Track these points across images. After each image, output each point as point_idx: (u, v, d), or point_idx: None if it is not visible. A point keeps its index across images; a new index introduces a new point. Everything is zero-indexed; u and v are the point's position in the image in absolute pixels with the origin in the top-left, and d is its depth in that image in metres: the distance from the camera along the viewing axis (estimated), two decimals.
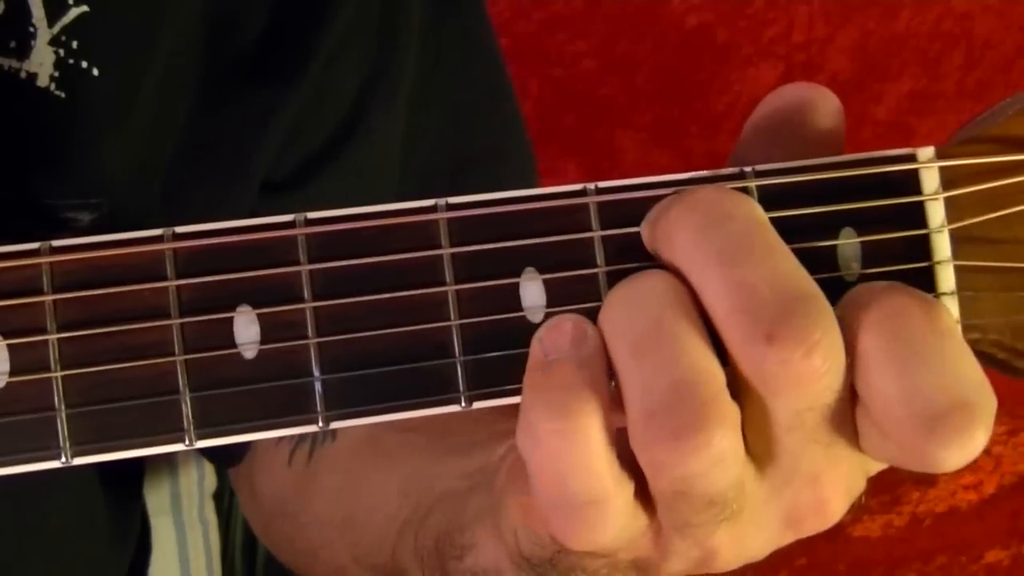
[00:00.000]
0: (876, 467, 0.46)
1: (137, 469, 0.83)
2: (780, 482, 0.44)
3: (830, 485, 0.45)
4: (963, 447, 0.41)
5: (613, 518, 0.43)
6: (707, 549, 0.45)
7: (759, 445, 0.43)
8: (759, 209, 0.43)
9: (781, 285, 0.41)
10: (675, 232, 0.43)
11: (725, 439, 0.41)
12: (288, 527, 0.75)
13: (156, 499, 0.85)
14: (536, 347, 0.44)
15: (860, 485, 0.46)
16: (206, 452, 0.81)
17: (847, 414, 0.43)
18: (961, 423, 0.41)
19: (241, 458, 0.77)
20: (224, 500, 0.89)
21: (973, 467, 1.43)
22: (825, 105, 0.46)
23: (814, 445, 0.43)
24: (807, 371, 0.41)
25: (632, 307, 0.43)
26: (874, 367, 0.42)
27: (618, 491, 0.43)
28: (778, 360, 0.40)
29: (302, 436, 0.73)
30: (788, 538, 0.46)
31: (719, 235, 0.42)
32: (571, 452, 0.42)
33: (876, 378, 0.42)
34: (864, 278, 0.45)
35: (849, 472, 0.45)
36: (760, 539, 0.46)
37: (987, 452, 1.46)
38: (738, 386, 0.42)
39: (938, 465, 0.42)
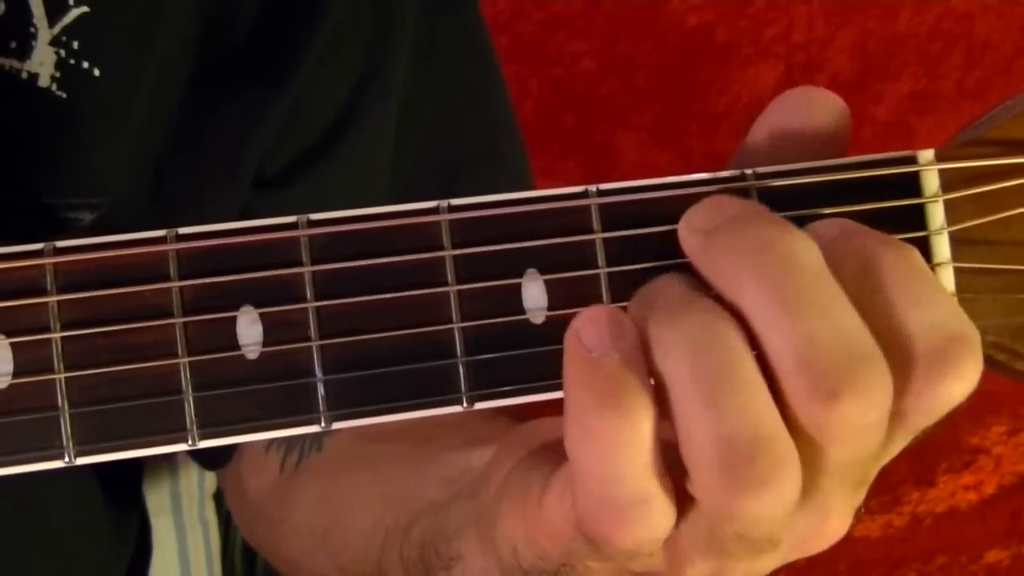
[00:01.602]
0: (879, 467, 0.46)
1: (136, 470, 0.83)
2: (804, 515, 0.45)
3: (841, 516, 0.46)
4: (967, 377, 0.42)
5: (658, 518, 0.43)
6: (725, 570, 0.46)
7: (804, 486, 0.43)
8: (821, 258, 0.43)
9: (846, 341, 0.41)
10: (743, 273, 0.42)
11: (794, 491, 0.41)
12: (270, 534, 0.75)
13: (156, 499, 0.85)
14: (574, 342, 0.43)
15: (862, 500, 0.46)
16: (193, 454, 0.81)
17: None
18: (961, 353, 0.42)
19: (227, 461, 0.77)
20: (224, 500, 0.89)
21: (973, 467, 1.43)
22: (828, 107, 0.46)
23: (845, 487, 0.44)
24: (864, 428, 0.41)
25: (699, 349, 0.42)
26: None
27: (662, 492, 0.43)
28: (839, 417, 0.41)
29: (291, 444, 0.73)
30: (790, 559, 0.47)
31: (790, 285, 0.41)
32: (627, 448, 0.42)
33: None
34: None
35: (860, 498, 0.46)
36: (770, 563, 0.46)
37: (987, 452, 1.45)
38: (793, 429, 0.42)
39: (947, 402, 0.43)
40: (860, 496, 0.46)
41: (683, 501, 0.44)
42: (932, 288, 0.43)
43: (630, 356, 0.42)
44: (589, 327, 0.43)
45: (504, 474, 0.50)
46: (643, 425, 0.42)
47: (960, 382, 0.42)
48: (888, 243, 0.43)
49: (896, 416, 0.43)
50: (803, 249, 0.42)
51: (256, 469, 0.75)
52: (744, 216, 0.44)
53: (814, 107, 0.46)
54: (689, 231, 0.45)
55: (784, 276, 0.42)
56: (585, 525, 0.45)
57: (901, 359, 0.42)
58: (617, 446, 0.42)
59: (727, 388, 0.41)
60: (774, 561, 0.46)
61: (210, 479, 0.88)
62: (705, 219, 0.44)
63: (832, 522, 0.45)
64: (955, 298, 0.45)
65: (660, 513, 0.43)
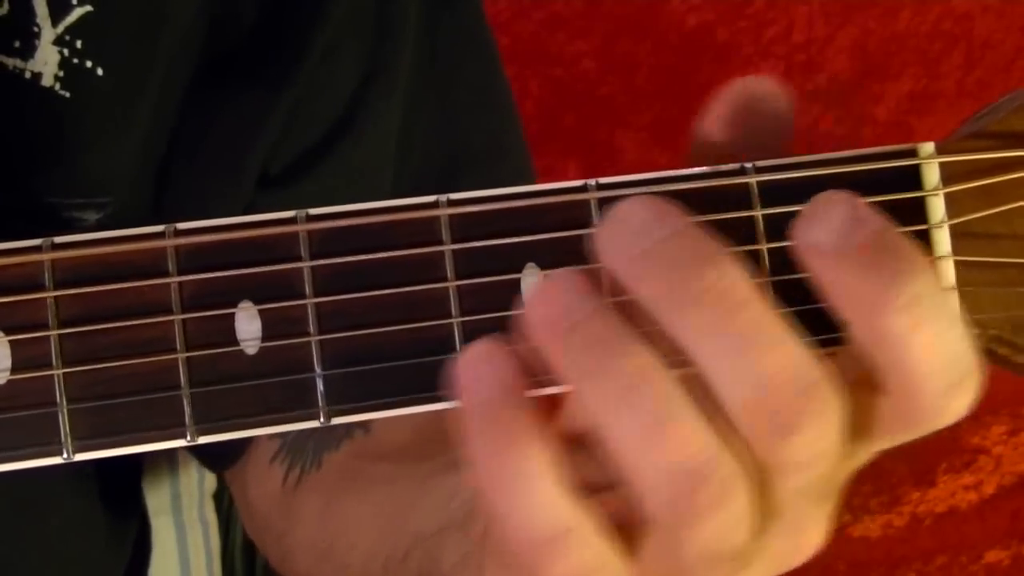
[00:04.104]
0: (850, 475, 0.46)
1: (135, 470, 0.83)
2: (777, 533, 0.44)
3: (816, 527, 0.46)
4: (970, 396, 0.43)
5: (582, 548, 0.42)
6: None
7: (765, 506, 0.43)
8: (748, 284, 0.42)
9: (797, 374, 0.41)
10: (688, 314, 0.41)
11: (745, 505, 0.41)
12: (275, 547, 0.75)
13: (156, 499, 0.85)
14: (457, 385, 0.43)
15: (834, 507, 0.46)
16: (201, 458, 0.81)
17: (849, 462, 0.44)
18: (972, 380, 0.42)
19: (230, 464, 0.77)
20: (224, 500, 0.89)
21: (973, 467, 1.43)
22: (773, 93, 0.46)
23: (816, 501, 0.44)
24: (825, 452, 0.41)
25: (632, 398, 0.41)
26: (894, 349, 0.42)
27: (584, 518, 0.42)
28: (797, 449, 0.41)
29: (295, 459, 0.73)
30: (775, 574, 0.47)
31: (739, 324, 0.41)
32: (525, 484, 0.41)
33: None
34: None
35: (832, 507, 0.46)
36: None
37: (987, 452, 1.46)
38: (746, 455, 0.42)
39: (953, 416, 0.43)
40: (832, 503, 0.45)
41: (638, 528, 0.43)
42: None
43: (507, 395, 0.42)
44: (467, 371, 0.42)
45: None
46: (536, 459, 0.41)
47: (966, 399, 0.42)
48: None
49: (858, 430, 0.43)
50: (748, 289, 0.41)
51: (260, 479, 0.75)
52: (692, 258, 0.42)
53: (761, 94, 0.46)
54: (604, 255, 0.43)
55: (730, 317, 0.41)
56: (516, 568, 0.44)
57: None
58: (515, 484, 0.41)
59: (662, 430, 0.41)
60: None
61: (210, 479, 0.88)
62: (640, 242, 0.42)
63: (808, 535, 0.45)
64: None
65: (584, 542, 0.42)
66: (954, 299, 0.46)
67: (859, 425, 0.44)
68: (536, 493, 0.42)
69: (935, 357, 0.41)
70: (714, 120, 0.47)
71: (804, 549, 0.46)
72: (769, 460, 0.42)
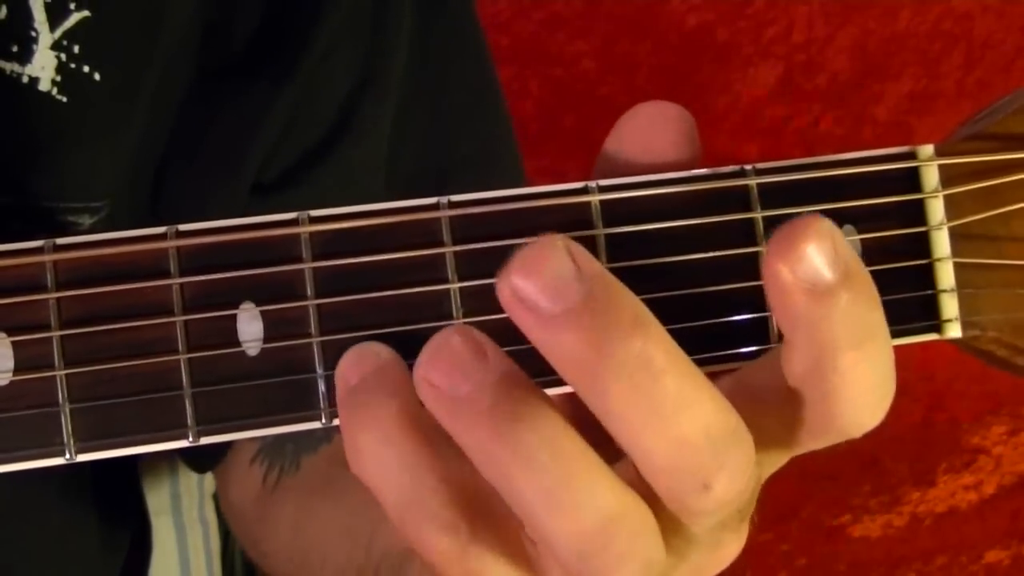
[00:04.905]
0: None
1: (130, 469, 0.83)
2: (695, 556, 0.45)
3: (734, 542, 0.46)
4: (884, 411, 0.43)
5: (451, 512, 0.42)
6: None
7: (679, 540, 0.43)
8: (675, 346, 0.40)
9: (712, 431, 0.40)
10: (606, 384, 0.39)
11: (659, 549, 0.42)
12: (254, 550, 0.75)
13: (156, 499, 0.85)
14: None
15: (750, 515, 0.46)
16: (181, 455, 0.81)
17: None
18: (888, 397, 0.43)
19: (213, 465, 0.77)
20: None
21: (973, 467, 1.43)
22: (679, 123, 0.45)
23: (731, 526, 0.44)
24: (741, 491, 0.41)
25: (535, 466, 0.40)
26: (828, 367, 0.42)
27: (445, 477, 0.42)
28: (714, 500, 0.41)
29: (273, 460, 0.73)
30: None
31: (656, 394, 0.39)
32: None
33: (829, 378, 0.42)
34: None
35: (747, 520, 0.46)
36: None
37: (987, 452, 1.46)
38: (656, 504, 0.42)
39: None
40: (747, 520, 0.45)
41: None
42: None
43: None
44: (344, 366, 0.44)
45: None
46: (392, 418, 0.41)
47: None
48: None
49: (775, 444, 0.44)
50: (663, 356, 0.40)
51: (240, 479, 0.75)
52: (604, 329, 0.40)
53: (664, 123, 0.46)
54: (507, 299, 0.40)
55: (644, 388, 0.40)
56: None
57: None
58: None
59: (565, 493, 0.40)
60: None
61: (210, 479, 0.88)
62: (557, 302, 0.40)
63: (727, 550, 0.46)
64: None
65: (445, 507, 0.42)
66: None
67: (772, 435, 0.44)
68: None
69: (868, 382, 0.42)
70: (616, 144, 0.46)
71: (724, 561, 0.46)
72: (685, 513, 0.42)
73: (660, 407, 0.39)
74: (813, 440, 0.44)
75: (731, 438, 0.41)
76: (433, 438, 0.42)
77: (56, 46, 0.61)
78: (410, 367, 0.43)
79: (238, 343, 0.44)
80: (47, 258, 0.44)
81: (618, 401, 0.39)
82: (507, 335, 0.45)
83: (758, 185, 0.46)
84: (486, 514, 0.43)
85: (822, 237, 0.40)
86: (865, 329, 0.41)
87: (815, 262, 0.40)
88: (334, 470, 0.70)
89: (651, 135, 0.46)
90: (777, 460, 0.45)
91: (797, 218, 0.40)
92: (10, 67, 0.60)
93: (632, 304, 0.40)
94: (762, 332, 0.46)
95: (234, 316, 0.44)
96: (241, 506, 0.75)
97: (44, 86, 0.61)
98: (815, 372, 0.42)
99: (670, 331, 0.41)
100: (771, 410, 0.43)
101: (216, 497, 0.89)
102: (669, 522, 0.42)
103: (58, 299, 0.43)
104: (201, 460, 0.78)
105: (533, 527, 0.41)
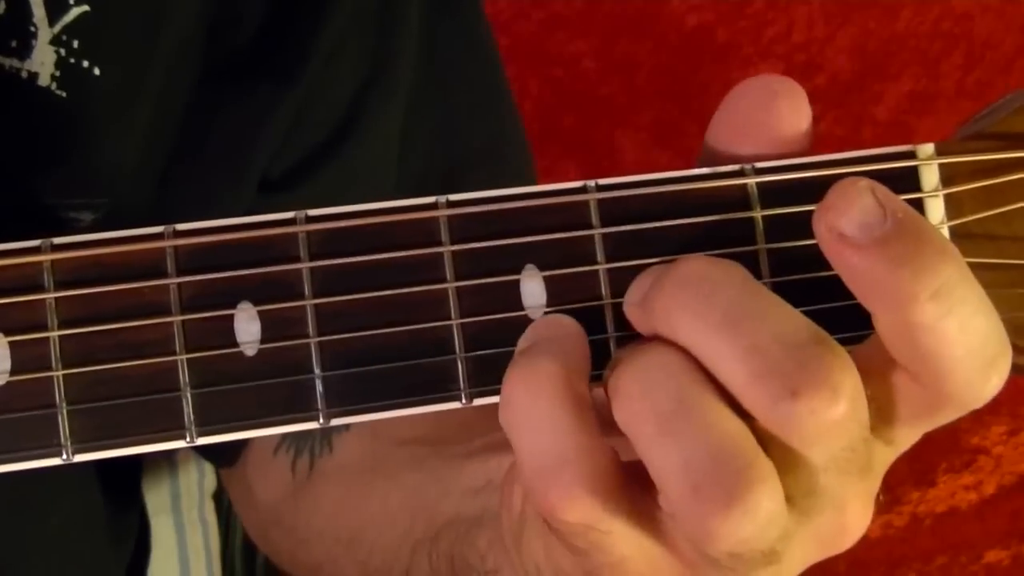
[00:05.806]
0: (892, 459, 0.46)
1: (135, 468, 0.83)
2: (815, 516, 0.44)
3: (857, 503, 0.45)
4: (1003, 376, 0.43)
5: (584, 480, 0.42)
6: None
7: (796, 488, 0.43)
8: (744, 270, 0.43)
9: (790, 339, 0.41)
10: (672, 314, 0.42)
11: (772, 500, 0.41)
12: (286, 540, 0.75)
13: (156, 499, 0.85)
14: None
15: (877, 487, 0.46)
16: (203, 452, 0.81)
17: (877, 430, 0.44)
18: (1004, 360, 0.43)
19: (235, 460, 0.77)
20: (224, 500, 0.89)
21: (973, 467, 1.43)
22: (793, 100, 0.46)
23: (848, 476, 0.44)
24: (837, 417, 0.41)
25: (650, 386, 0.42)
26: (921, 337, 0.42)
27: (587, 452, 0.42)
28: (808, 412, 0.40)
29: (300, 446, 0.72)
30: (813, 562, 0.47)
31: (717, 306, 0.42)
32: (534, 404, 0.42)
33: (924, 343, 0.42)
34: None
35: (873, 485, 0.45)
36: (792, 569, 0.46)
37: (987, 452, 1.45)
38: (767, 439, 0.42)
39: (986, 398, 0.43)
40: (873, 482, 0.45)
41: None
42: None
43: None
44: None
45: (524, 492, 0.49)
46: (549, 378, 0.42)
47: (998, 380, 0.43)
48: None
49: (887, 415, 0.43)
50: (720, 270, 0.42)
51: (265, 474, 0.75)
52: (664, 270, 0.43)
53: (775, 96, 0.46)
54: (629, 309, 0.45)
55: (709, 300, 0.42)
56: (532, 505, 0.44)
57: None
58: (525, 403, 0.42)
59: (680, 419, 0.41)
60: (794, 568, 0.46)
61: (210, 479, 0.88)
62: (637, 291, 0.45)
63: (850, 515, 0.45)
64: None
65: (585, 474, 0.42)
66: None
67: (888, 410, 0.44)
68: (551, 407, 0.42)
69: (965, 342, 0.42)
70: (724, 128, 0.46)
71: (850, 530, 0.45)
72: (784, 431, 0.41)
73: (724, 318, 0.41)
74: (931, 411, 0.44)
75: (812, 345, 0.41)
76: (588, 411, 0.43)
77: (55, 41, 0.61)
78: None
79: (236, 343, 0.44)
80: (44, 258, 0.44)
81: (686, 322, 0.42)
82: (506, 335, 0.45)
83: (758, 184, 0.46)
84: (626, 486, 0.43)
85: (860, 191, 0.42)
86: (937, 279, 0.41)
87: (858, 217, 0.41)
88: (376, 447, 0.69)
89: (762, 114, 0.46)
90: (903, 436, 0.45)
91: (837, 182, 0.42)
92: (9, 62, 0.60)
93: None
94: None
95: (232, 316, 0.44)
96: (270, 499, 0.75)
97: (43, 81, 0.61)
98: (904, 335, 0.42)
99: None
100: (882, 383, 0.44)
101: (216, 497, 0.89)
102: (781, 463, 0.42)
103: (55, 299, 0.43)
104: (219, 455, 0.77)
105: (650, 462, 0.42)
